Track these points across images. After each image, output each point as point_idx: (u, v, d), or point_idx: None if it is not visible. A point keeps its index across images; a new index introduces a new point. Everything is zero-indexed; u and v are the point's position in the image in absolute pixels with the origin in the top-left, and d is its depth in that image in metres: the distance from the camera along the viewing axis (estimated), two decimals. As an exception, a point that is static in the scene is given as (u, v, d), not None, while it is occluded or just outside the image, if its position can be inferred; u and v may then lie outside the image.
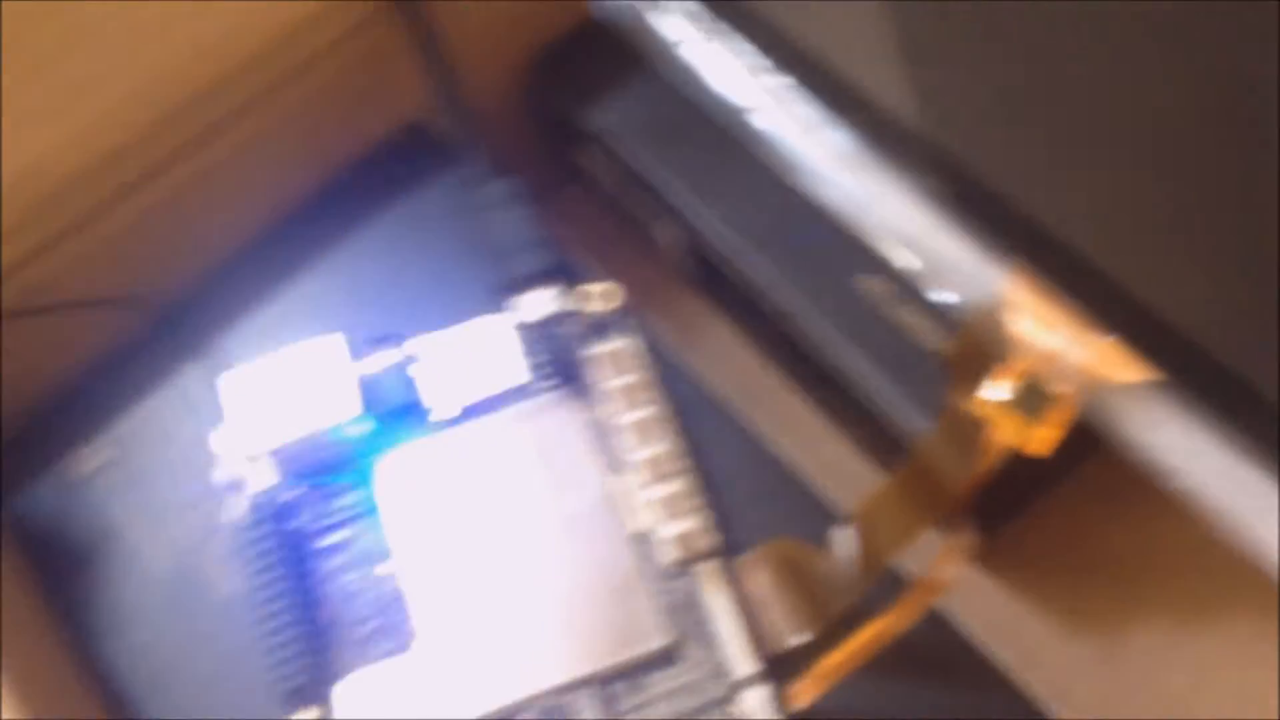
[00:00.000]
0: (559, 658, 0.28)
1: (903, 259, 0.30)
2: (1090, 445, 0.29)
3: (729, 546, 0.29)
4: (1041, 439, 0.27)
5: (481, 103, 0.34)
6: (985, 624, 0.28)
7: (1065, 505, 0.30)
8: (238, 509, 0.31)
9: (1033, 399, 0.27)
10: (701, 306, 0.36)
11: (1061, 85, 0.26)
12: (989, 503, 0.29)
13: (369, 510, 0.31)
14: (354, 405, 0.30)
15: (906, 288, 0.30)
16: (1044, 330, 0.26)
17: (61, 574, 0.32)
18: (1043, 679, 0.27)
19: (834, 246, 0.31)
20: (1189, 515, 0.27)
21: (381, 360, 0.32)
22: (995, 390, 0.26)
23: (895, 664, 0.27)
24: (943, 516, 0.27)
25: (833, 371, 0.31)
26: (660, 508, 0.29)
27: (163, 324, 0.35)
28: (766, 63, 0.30)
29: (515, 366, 0.31)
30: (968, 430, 0.26)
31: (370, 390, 0.31)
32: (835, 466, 0.31)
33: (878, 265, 0.30)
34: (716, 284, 0.35)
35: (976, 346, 0.27)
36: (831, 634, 0.27)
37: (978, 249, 0.28)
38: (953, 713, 0.27)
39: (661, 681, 0.28)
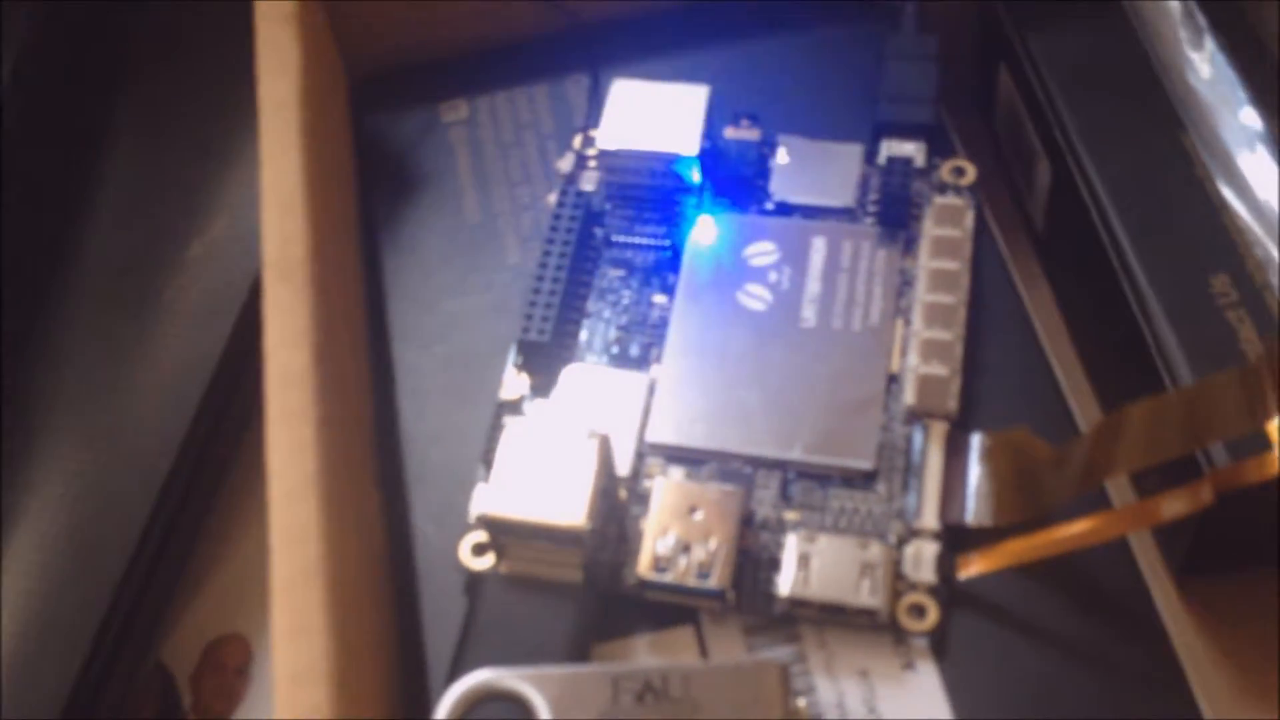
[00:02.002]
0: (769, 436, 0.29)
1: (1265, 256, 0.29)
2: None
3: (966, 422, 0.29)
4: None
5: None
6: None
7: (1271, 582, 0.30)
8: (558, 196, 0.33)
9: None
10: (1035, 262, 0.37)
11: None
12: (1217, 549, 0.29)
13: (670, 250, 0.32)
14: (691, 145, 0.31)
15: (1252, 293, 0.30)
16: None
17: (389, 191, 0.36)
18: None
19: (1199, 236, 0.30)
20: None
21: (738, 133, 0.34)
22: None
23: (1068, 581, 0.27)
24: (1182, 457, 0.26)
25: (1140, 345, 0.31)
26: (920, 350, 0.29)
27: (570, 32, 0.37)
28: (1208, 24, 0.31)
29: (851, 191, 0.32)
30: (1254, 391, 0.25)
31: (716, 151, 0.33)
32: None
33: (1233, 263, 0.30)
34: (1060, 237, 0.35)
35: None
36: (1024, 523, 0.27)
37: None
38: (1099, 649, 0.27)
39: (843, 499, 0.28)
